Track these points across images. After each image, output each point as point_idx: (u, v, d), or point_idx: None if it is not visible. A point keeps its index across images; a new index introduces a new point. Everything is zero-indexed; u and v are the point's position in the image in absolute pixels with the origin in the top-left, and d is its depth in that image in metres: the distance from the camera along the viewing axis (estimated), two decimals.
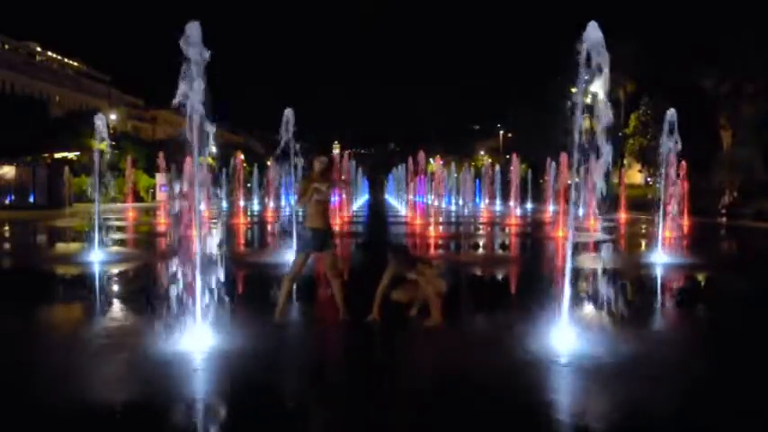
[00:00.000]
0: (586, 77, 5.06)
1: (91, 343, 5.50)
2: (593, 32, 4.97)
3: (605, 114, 4.91)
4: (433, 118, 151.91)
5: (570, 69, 5.21)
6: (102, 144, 12.51)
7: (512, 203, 28.91)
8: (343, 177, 24.55)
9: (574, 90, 5.12)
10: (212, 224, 6.14)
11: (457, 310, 6.37)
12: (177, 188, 5.16)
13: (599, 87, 5.00)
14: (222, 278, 5.20)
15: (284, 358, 5.04)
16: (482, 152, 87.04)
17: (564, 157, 20.98)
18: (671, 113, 11.63)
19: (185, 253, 5.14)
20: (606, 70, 4.91)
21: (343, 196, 23.64)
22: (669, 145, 11.65)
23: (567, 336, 5.12)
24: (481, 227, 22.85)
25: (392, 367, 5.01)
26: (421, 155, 24.68)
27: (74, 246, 14.39)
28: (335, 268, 6.17)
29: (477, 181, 50.37)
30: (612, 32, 5.76)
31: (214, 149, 5.26)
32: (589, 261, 11.36)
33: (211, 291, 5.16)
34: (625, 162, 47.02)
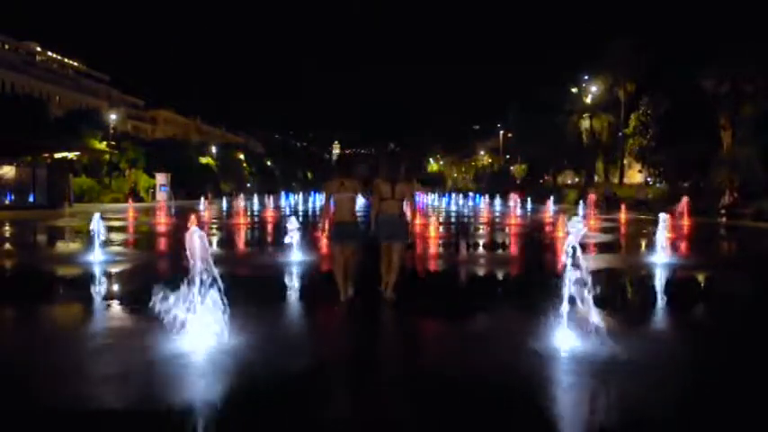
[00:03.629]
0: (587, 78, 5.07)
1: (89, 342, 5.50)
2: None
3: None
4: (433, 118, 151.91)
5: (569, 73, 5.21)
6: (102, 144, 12.51)
7: (511, 203, 28.89)
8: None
9: (574, 90, 5.13)
10: (212, 224, 6.13)
11: (458, 308, 6.35)
12: (177, 190, 5.16)
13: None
14: (222, 277, 5.20)
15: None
16: (482, 152, 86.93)
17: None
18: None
19: (185, 252, 5.14)
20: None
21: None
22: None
23: (564, 335, 5.13)
24: (481, 227, 22.84)
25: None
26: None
27: (73, 245, 14.40)
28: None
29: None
30: (613, 32, 5.78)
31: (214, 150, 5.27)
32: (588, 261, 11.38)
33: (212, 290, 5.16)
34: (625, 162, 47.03)
